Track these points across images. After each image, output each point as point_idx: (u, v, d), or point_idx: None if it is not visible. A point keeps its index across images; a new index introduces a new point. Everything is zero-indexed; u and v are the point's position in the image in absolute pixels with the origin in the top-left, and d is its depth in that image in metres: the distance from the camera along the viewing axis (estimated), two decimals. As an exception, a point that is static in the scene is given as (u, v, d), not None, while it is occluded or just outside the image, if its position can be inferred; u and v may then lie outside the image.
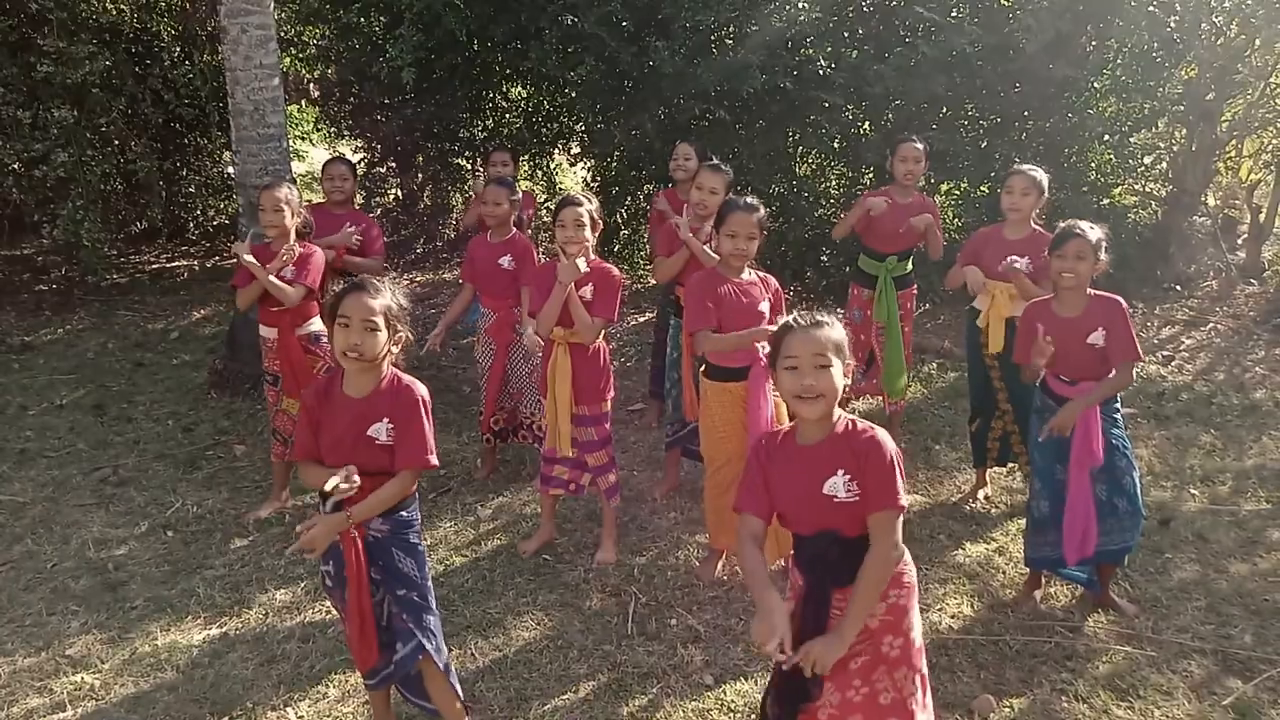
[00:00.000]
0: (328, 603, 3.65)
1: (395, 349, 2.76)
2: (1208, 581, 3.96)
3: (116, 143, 8.26)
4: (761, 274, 3.88)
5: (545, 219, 8.38)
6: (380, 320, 2.66)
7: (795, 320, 2.37)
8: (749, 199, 3.77)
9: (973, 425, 4.67)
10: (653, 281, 8.52)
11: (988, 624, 3.66)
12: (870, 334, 5.12)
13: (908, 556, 2.43)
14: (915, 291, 5.29)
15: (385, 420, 2.70)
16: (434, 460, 2.74)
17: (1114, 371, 3.49)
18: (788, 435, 2.46)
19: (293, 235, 4.36)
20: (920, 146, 4.93)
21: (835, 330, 2.36)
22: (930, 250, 5.03)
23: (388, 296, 2.72)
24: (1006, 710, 3.21)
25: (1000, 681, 3.35)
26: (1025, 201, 4.30)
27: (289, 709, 3.23)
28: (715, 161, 4.62)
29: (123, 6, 8.33)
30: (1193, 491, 4.75)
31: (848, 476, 2.30)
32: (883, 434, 2.33)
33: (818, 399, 2.31)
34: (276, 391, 4.47)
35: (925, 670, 2.50)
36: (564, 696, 3.29)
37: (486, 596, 3.89)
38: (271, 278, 4.21)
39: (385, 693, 3.04)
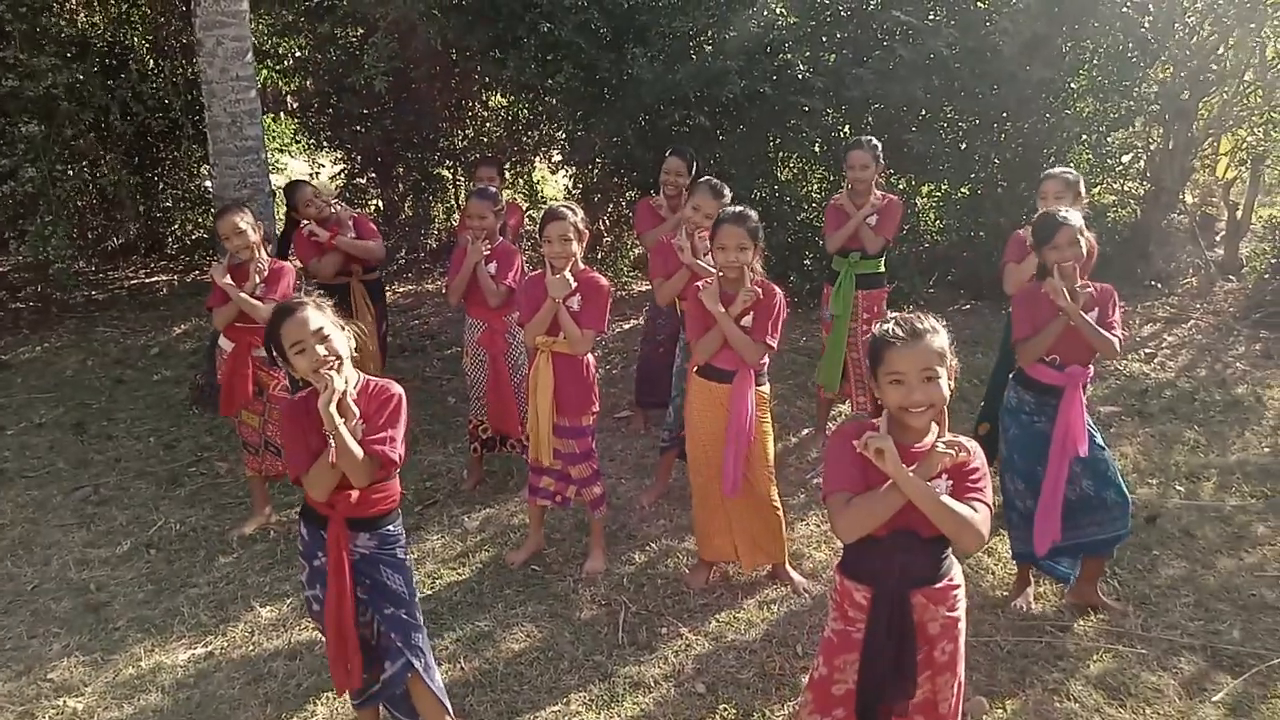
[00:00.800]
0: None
1: (352, 343, 2.70)
2: (1195, 578, 3.98)
3: (90, 158, 8.17)
4: (764, 285, 3.70)
5: (530, 228, 8.35)
6: (326, 325, 2.62)
7: (894, 332, 2.27)
8: (740, 209, 3.69)
9: (981, 429, 4.61)
10: (637, 289, 8.53)
11: (978, 625, 3.65)
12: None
13: (956, 565, 2.44)
14: (887, 294, 5.19)
15: (365, 424, 2.67)
16: (393, 454, 2.65)
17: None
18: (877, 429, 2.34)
19: (260, 251, 4.37)
20: (868, 152, 4.84)
21: (939, 337, 2.28)
22: (866, 244, 4.92)
23: (312, 304, 2.67)
24: (999, 711, 3.21)
25: (992, 682, 3.34)
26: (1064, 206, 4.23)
27: (276, 728, 3.20)
28: (715, 183, 4.44)
29: (95, 20, 8.25)
30: (1178, 488, 4.77)
31: (950, 483, 2.25)
32: (974, 445, 2.30)
33: (927, 409, 2.27)
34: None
35: (964, 676, 2.50)
36: (554, 708, 3.26)
37: (475, 609, 3.86)
38: (244, 296, 4.24)
39: (374, 711, 3.00)
